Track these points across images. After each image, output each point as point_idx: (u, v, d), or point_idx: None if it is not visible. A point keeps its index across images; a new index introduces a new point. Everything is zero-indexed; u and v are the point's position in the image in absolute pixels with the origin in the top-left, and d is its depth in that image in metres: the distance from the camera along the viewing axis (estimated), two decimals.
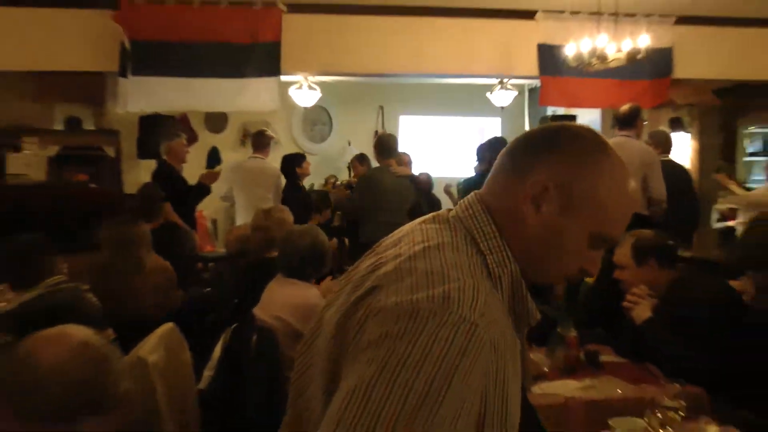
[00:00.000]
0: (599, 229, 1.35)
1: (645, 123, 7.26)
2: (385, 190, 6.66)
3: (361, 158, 8.39)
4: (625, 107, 6.60)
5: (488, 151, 7.04)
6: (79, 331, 1.64)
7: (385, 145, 6.95)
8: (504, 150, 1.43)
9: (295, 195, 7.33)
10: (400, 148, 7.70)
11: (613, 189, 1.35)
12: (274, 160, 7.87)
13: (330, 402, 1.18)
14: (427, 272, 1.22)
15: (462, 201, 1.41)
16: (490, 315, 1.21)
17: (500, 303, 1.29)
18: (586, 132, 1.40)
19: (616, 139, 6.34)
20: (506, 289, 1.32)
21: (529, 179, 1.34)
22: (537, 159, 1.36)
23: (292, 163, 7.59)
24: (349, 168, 9.45)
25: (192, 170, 7.32)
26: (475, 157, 7.29)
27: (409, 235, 1.35)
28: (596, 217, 1.34)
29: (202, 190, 7.15)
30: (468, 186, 6.85)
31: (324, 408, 1.22)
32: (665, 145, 7.00)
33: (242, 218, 7.37)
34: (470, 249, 1.31)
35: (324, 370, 1.29)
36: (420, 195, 6.77)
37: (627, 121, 6.46)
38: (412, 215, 6.53)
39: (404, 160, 7.50)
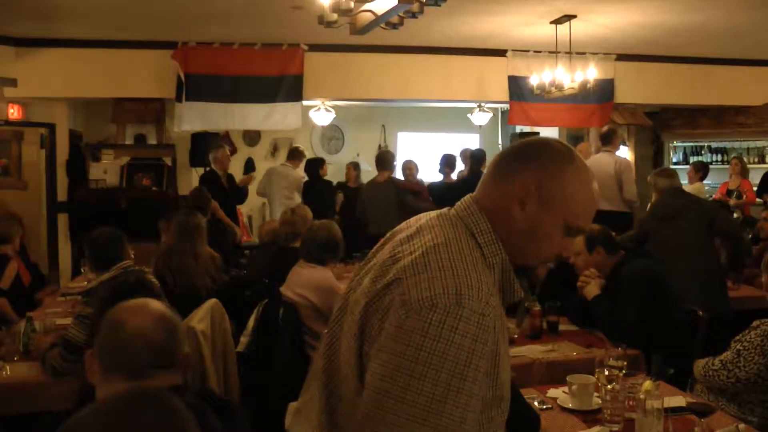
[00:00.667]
0: (570, 219, 1.36)
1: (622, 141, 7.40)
2: (374, 199, 6.77)
3: (355, 165, 8.26)
4: (604, 129, 6.84)
5: (469, 159, 7.19)
6: (156, 304, 1.64)
7: (380, 159, 7.06)
8: (492, 161, 1.44)
9: (320, 190, 7.30)
10: (402, 158, 7.88)
11: (578, 188, 1.37)
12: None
13: (361, 370, 1.25)
14: (439, 267, 1.24)
15: (460, 202, 1.41)
16: (493, 301, 1.25)
17: (493, 285, 1.31)
18: (560, 145, 1.42)
19: (599, 154, 6.72)
20: (497, 273, 1.34)
21: (516, 183, 1.36)
22: (521, 167, 1.38)
23: (315, 166, 7.55)
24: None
25: (233, 175, 7.33)
26: (445, 164, 7.41)
27: (421, 233, 1.35)
28: (567, 210, 1.36)
29: (240, 191, 7.19)
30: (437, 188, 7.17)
31: (356, 374, 1.27)
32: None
33: (273, 210, 7.43)
34: (470, 242, 1.33)
35: (350, 346, 1.31)
36: (401, 192, 6.76)
37: (606, 140, 6.66)
38: (400, 208, 6.67)
39: (410, 167, 7.42)
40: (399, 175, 7.56)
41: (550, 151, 1.38)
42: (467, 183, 6.79)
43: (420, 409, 1.13)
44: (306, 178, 7.55)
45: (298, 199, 7.26)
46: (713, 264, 4.63)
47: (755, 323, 2.72)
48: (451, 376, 1.15)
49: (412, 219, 1.45)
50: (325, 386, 1.39)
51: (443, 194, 6.77)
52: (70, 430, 1.00)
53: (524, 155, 1.39)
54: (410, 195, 6.74)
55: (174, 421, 1.07)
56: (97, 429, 0.99)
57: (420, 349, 1.15)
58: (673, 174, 4.96)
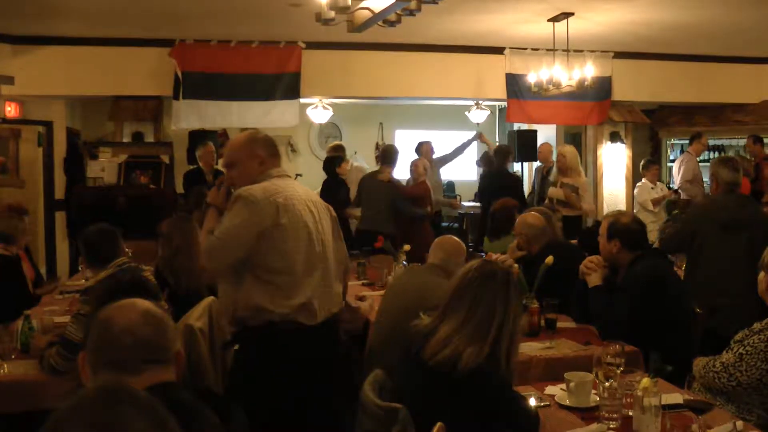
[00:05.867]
0: None
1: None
2: (372, 197, 6.64)
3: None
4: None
5: (495, 155, 7.49)
6: (143, 302, 1.66)
7: (385, 154, 6.94)
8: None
9: (336, 188, 6.99)
10: (401, 157, 7.58)
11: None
12: (294, 168, 7.89)
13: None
14: None
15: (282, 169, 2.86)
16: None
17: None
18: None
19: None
20: None
21: None
22: None
23: (333, 164, 7.20)
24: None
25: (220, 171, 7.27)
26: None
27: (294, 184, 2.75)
28: None
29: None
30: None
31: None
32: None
33: None
34: None
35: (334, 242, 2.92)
36: (397, 198, 6.59)
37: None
38: (395, 212, 6.65)
39: (416, 165, 7.02)
40: (403, 170, 7.28)
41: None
42: (498, 174, 7.34)
43: None
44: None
45: None
46: (753, 288, 3.81)
47: (757, 326, 2.64)
48: None
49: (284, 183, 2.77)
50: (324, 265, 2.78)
51: (485, 186, 7.48)
52: (55, 424, 1.00)
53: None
54: (407, 202, 6.56)
55: (149, 415, 1.06)
56: (77, 423, 0.99)
57: None
58: (737, 167, 4.34)
